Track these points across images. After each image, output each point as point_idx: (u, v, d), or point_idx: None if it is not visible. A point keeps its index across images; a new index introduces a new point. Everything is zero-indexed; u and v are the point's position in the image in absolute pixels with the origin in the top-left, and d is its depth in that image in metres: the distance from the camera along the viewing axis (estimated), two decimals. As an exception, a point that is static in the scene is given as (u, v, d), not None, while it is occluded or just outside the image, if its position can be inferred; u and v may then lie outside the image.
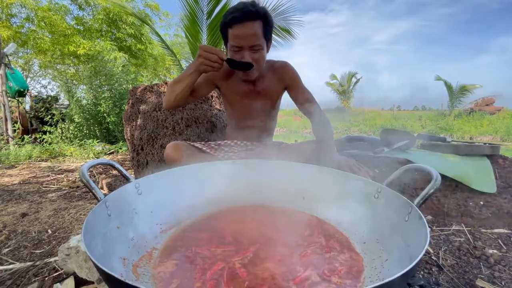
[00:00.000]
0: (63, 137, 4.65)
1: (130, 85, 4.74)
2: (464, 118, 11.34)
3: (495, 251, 0.96)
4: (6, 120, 4.35)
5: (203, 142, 1.26)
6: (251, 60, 1.05)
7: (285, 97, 1.30)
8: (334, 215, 0.80)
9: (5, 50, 4.33)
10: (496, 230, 1.13)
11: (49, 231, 1.21)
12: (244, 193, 0.89)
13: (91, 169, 2.37)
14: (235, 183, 0.89)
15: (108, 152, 3.74)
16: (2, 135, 4.45)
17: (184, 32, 4.08)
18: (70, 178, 2.32)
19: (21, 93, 4.43)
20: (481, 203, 1.21)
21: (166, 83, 1.79)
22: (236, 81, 1.20)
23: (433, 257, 0.94)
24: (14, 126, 4.60)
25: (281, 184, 0.90)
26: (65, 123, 4.80)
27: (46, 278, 0.84)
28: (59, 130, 4.72)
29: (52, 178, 2.36)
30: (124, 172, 0.73)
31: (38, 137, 4.58)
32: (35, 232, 1.19)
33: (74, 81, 7.91)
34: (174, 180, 0.83)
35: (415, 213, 0.57)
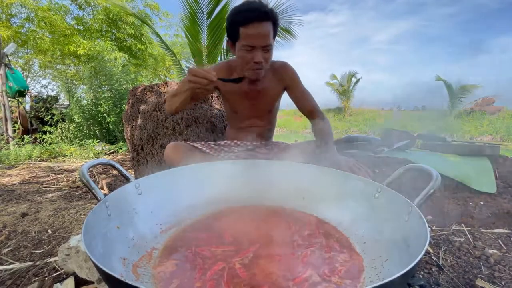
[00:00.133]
0: (63, 137, 4.65)
1: (130, 85, 4.73)
2: (464, 118, 11.33)
3: (495, 251, 0.96)
4: (6, 120, 4.35)
5: (203, 142, 1.26)
6: (262, 59, 1.06)
7: (285, 97, 1.30)
8: (334, 215, 0.80)
9: (5, 50, 4.32)
10: (496, 230, 1.13)
11: (49, 231, 1.21)
12: (244, 193, 0.89)
13: (91, 169, 2.37)
14: (235, 183, 0.89)
15: (108, 152, 3.74)
16: (2, 135, 4.45)
17: (184, 32, 4.07)
18: (70, 178, 2.32)
19: (21, 93, 4.43)
20: (481, 203, 1.21)
21: (166, 83, 1.79)
22: None
23: (433, 257, 0.94)
24: (14, 126, 4.60)
25: (281, 184, 0.90)
26: (65, 123, 4.80)
27: (46, 278, 0.84)
28: (59, 130, 4.72)
29: (52, 178, 2.36)
30: (124, 172, 0.73)
31: (38, 137, 4.58)
32: (35, 232, 1.19)
33: (74, 81, 7.90)
34: (174, 180, 0.83)
35: (415, 213, 0.57)
